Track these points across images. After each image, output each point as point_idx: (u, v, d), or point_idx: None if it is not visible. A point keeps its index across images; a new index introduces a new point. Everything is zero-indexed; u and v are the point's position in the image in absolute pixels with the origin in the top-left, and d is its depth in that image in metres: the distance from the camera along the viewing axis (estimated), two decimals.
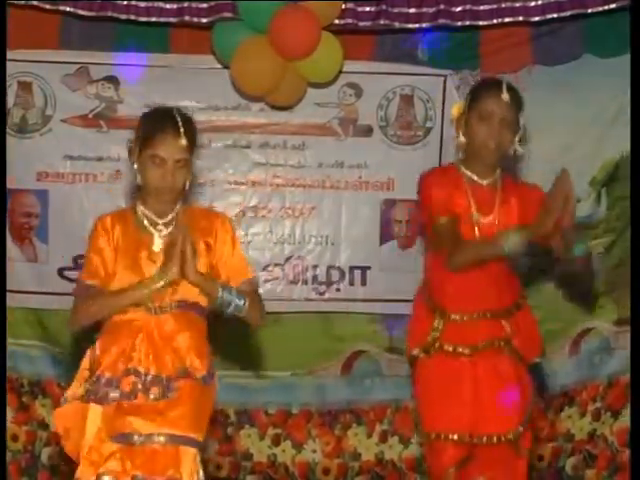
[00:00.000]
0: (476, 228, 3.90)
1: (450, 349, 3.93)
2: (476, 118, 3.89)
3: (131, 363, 3.48)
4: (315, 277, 5.64)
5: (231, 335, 5.48)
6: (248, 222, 5.61)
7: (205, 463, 5.20)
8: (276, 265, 5.63)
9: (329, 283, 5.63)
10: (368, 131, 5.63)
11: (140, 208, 3.63)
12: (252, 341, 5.61)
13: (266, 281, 5.60)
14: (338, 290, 5.64)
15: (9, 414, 5.51)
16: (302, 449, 5.75)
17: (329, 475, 5.74)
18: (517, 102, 3.92)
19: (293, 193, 5.65)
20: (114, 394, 3.45)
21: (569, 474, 5.74)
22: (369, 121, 5.62)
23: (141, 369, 3.48)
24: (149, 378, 3.47)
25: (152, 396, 3.46)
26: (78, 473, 3.48)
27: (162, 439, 3.44)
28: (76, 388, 3.56)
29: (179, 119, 3.54)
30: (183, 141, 3.51)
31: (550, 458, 5.74)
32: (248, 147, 5.64)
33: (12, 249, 5.46)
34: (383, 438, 5.77)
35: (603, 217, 5.69)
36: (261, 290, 5.57)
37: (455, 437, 3.90)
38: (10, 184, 5.32)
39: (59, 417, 3.59)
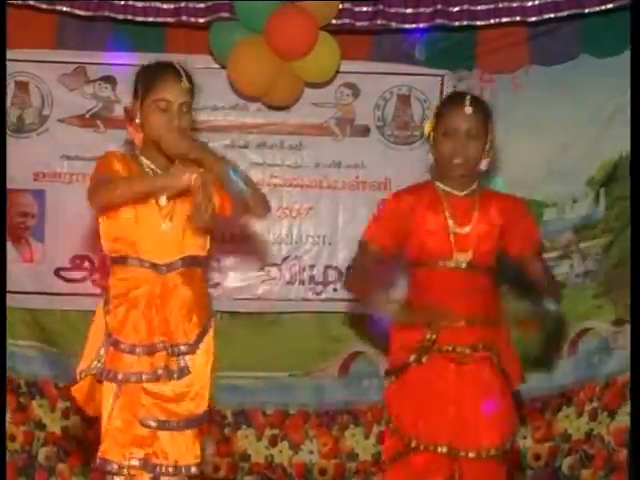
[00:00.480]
0: (452, 238, 3.87)
1: (450, 348, 3.85)
2: (441, 135, 3.87)
3: (154, 336, 3.57)
4: (312, 277, 5.66)
5: (228, 336, 5.54)
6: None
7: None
8: (273, 265, 5.66)
9: (326, 283, 5.65)
10: (365, 131, 5.66)
11: (144, 160, 3.68)
12: (249, 341, 5.65)
13: (263, 281, 5.64)
14: (335, 290, 5.64)
15: (7, 415, 5.49)
16: (299, 450, 5.76)
17: (326, 475, 5.75)
18: (483, 113, 3.88)
19: (290, 193, 5.67)
20: (134, 378, 3.57)
21: (565, 474, 5.74)
22: (366, 121, 5.65)
23: (160, 345, 3.57)
24: (169, 351, 3.57)
25: (175, 375, 3.59)
26: (103, 453, 3.58)
27: (181, 424, 3.62)
28: (88, 362, 3.66)
29: (178, 66, 3.70)
30: (186, 84, 3.67)
31: (547, 458, 5.75)
32: (246, 147, 5.66)
33: (8, 249, 5.44)
34: (381, 439, 5.77)
35: (601, 217, 5.70)
36: (259, 290, 5.64)
37: (445, 450, 3.84)
38: (7, 184, 5.37)
39: (78, 394, 3.70)
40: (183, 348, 3.61)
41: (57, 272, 5.52)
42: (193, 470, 3.65)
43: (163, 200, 3.61)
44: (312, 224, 5.68)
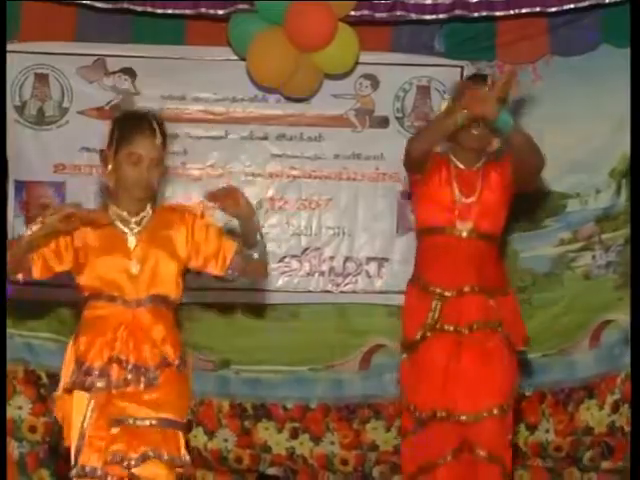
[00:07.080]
0: (457, 208, 4.35)
1: (451, 329, 4.29)
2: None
3: (114, 352, 3.74)
4: (332, 269, 5.78)
5: (247, 329, 5.70)
6: (265, 214, 5.74)
7: (225, 456, 5.35)
8: (293, 257, 5.78)
9: (346, 275, 5.77)
10: (384, 122, 5.77)
11: (113, 209, 3.86)
12: (268, 334, 5.80)
13: (283, 273, 5.77)
14: (355, 282, 5.79)
15: (27, 406, 5.70)
16: (320, 442, 5.86)
17: (347, 466, 5.87)
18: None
19: (310, 185, 5.79)
20: (101, 384, 3.73)
21: (586, 465, 5.83)
22: (385, 112, 5.77)
23: (123, 357, 3.74)
24: (130, 366, 3.74)
25: (142, 385, 3.74)
26: (83, 460, 3.72)
27: (154, 422, 3.74)
28: (63, 382, 3.82)
29: (153, 120, 3.84)
30: (158, 140, 3.81)
31: (568, 449, 5.85)
32: (265, 139, 5.78)
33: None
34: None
35: (623, 208, 5.78)
36: (279, 282, 5.71)
37: (444, 415, 4.26)
38: (27, 176, 5.54)
39: (57, 410, 3.87)
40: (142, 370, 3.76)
41: None
42: (166, 457, 3.74)
43: (131, 243, 3.81)
44: (332, 216, 5.80)
